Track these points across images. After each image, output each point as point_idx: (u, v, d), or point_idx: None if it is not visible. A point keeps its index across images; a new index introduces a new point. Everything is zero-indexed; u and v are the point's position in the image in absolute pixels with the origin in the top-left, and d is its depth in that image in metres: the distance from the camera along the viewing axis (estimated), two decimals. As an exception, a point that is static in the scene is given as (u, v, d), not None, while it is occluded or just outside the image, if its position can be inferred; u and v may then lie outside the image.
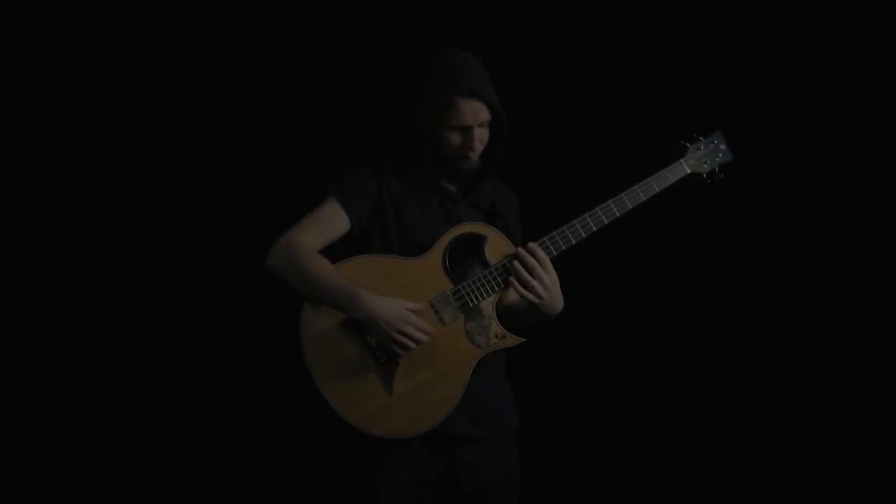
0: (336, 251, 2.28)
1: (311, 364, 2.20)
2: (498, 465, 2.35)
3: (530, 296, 2.22)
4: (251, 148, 2.96)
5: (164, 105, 2.85)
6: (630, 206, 2.32)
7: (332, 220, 2.29)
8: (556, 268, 2.24)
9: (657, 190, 2.34)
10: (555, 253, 2.28)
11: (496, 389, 2.38)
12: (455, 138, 2.26)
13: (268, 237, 2.28)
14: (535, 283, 2.21)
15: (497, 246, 2.28)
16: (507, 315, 2.40)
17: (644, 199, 2.33)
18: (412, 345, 2.16)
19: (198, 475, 2.92)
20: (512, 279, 2.22)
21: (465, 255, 2.28)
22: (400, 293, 2.21)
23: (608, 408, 3.13)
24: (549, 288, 2.22)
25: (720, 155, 2.42)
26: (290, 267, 2.22)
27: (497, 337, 2.26)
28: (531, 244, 2.25)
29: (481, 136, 2.27)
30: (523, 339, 2.27)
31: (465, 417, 2.29)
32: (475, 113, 2.23)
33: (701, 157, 2.40)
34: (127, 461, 2.87)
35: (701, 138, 2.41)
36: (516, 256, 2.23)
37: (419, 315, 2.21)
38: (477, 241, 2.28)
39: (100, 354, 2.88)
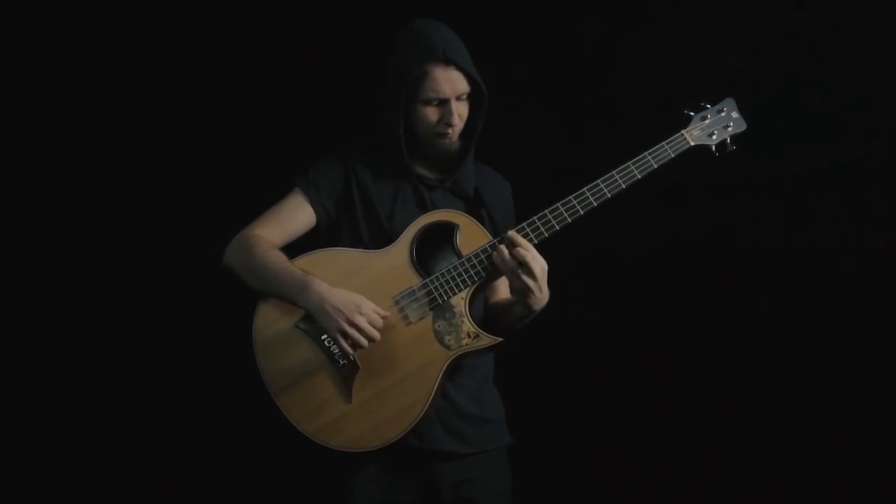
0: (305, 248, 2.09)
1: (264, 368, 2.01)
2: (483, 485, 2.09)
3: (520, 285, 1.95)
4: (218, 139, 2.79)
5: (130, 97, 2.72)
6: (623, 186, 2.03)
7: (294, 214, 2.11)
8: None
9: (655, 166, 2.04)
10: (535, 241, 2.01)
11: (481, 399, 2.12)
12: (431, 114, 2.03)
13: (233, 234, 2.12)
14: (518, 269, 1.94)
15: (471, 236, 2.03)
16: (486, 314, 2.15)
17: (639, 176, 2.03)
18: (362, 340, 1.93)
19: (159, 484, 2.75)
20: (501, 264, 1.96)
21: (436, 247, 2.04)
22: (362, 290, 1.99)
23: (613, 417, 2.79)
24: (537, 276, 1.95)
25: (731, 124, 2.09)
26: (241, 261, 2.04)
27: (469, 336, 2.00)
28: (511, 232, 1.98)
29: (460, 111, 2.04)
30: (500, 340, 2.01)
31: (441, 430, 2.05)
32: (452, 83, 2.00)
33: (708, 128, 2.08)
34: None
35: (708, 106, 2.10)
36: (507, 242, 1.97)
37: (388, 317, 1.98)
38: (448, 231, 2.04)
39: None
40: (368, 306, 1.94)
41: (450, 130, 2.04)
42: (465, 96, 2.04)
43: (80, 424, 2.73)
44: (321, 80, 2.79)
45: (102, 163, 2.71)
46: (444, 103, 2.02)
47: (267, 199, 2.13)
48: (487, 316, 2.16)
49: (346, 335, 1.93)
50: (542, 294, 1.98)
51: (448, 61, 1.99)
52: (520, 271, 1.94)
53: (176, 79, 2.73)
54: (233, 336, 2.09)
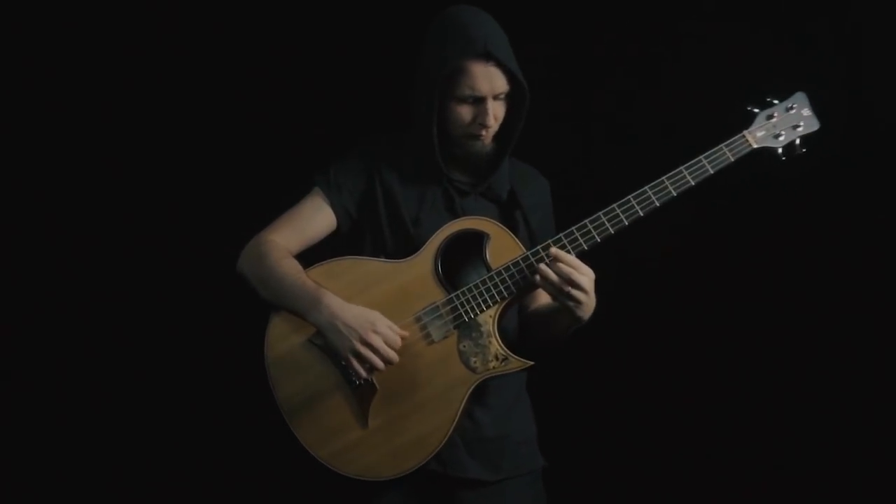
0: (325, 254, 1.93)
1: (275, 387, 1.87)
2: (513, 515, 1.92)
3: (570, 302, 1.77)
4: (238, 135, 2.61)
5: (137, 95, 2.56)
6: (674, 194, 1.81)
7: (313, 217, 1.94)
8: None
9: (711, 171, 1.81)
10: (573, 254, 1.81)
11: (510, 418, 1.95)
12: (464, 112, 1.84)
13: (251, 236, 1.96)
14: (567, 287, 1.76)
15: (502, 247, 1.85)
16: (522, 324, 1.96)
17: (693, 183, 1.82)
18: (377, 361, 1.77)
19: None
20: (543, 284, 1.78)
21: (464, 258, 1.86)
22: (381, 304, 1.82)
23: (659, 436, 2.58)
24: (587, 290, 1.77)
25: (801, 123, 1.85)
26: (252, 269, 1.89)
27: (497, 359, 1.82)
28: (554, 249, 1.80)
29: (496, 112, 1.85)
30: (530, 363, 1.83)
31: (466, 454, 1.89)
32: (490, 80, 1.81)
33: (774, 127, 1.84)
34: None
35: (775, 102, 1.85)
36: (537, 255, 1.79)
37: (407, 337, 1.82)
38: (478, 241, 1.85)
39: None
40: (384, 324, 1.78)
41: (483, 132, 1.85)
42: (503, 95, 1.84)
43: (78, 443, 2.60)
44: (345, 71, 2.58)
45: (115, 163, 2.57)
46: (479, 102, 1.83)
47: (288, 198, 1.98)
48: (524, 325, 1.97)
49: (359, 356, 1.77)
50: (592, 302, 1.79)
51: (488, 56, 1.79)
52: (568, 288, 1.75)
53: (191, 74, 2.56)
54: (245, 350, 1.94)
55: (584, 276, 1.76)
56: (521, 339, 1.96)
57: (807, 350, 2.51)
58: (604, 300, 1.83)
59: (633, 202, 1.81)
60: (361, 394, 1.83)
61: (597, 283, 1.79)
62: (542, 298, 1.99)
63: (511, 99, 1.87)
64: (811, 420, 2.50)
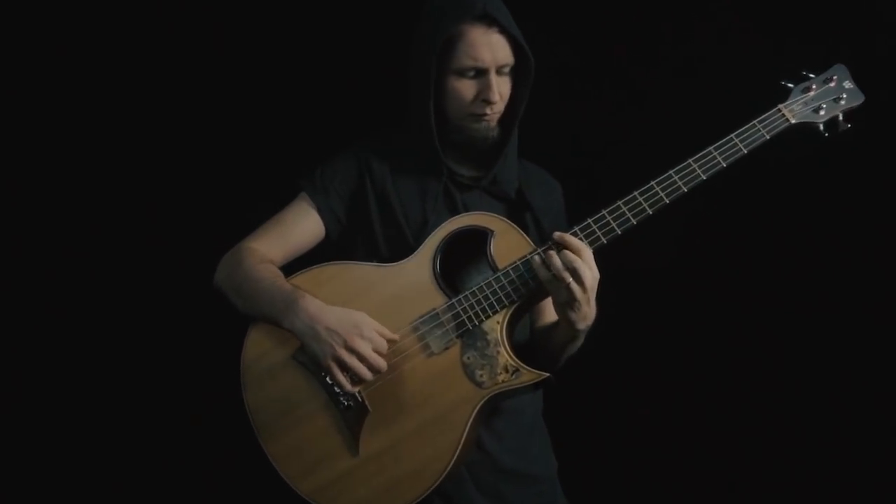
0: (313, 263, 1.70)
1: (252, 410, 1.63)
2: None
3: (565, 298, 1.53)
4: (216, 134, 2.37)
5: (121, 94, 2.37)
6: (703, 177, 1.60)
7: (298, 223, 1.74)
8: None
9: (744, 151, 1.61)
10: (591, 248, 1.58)
11: (527, 450, 1.72)
12: (465, 89, 1.64)
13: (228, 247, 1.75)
14: (568, 277, 1.51)
15: (510, 244, 1.62)
16: (531, 343, 1.72)
17: (724, 165, 1.61)
18: (363, 370, 1.53)
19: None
20: (540, 268, 1.54)
21: (465, 259, 1.63)
22: (373, 313, 1.59)
23: (694, 469, 2.26)
24: (587, 287, 1.52)
25: (844, 96, 1.64)
26: (227, 278, 1.67)
27: (507, 371, 1.57)
28: (558, 233, 1.56)
29: (501, 88, 1.64)
30: (546, 375, 1.58)
31: (476, 491, 1.66)
32: (493, 48, 1.61)
33: (813, 101, 1.63)
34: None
35: (811, 75, 1.64)
36: (556, 246, 1.55)
37: (398, 340, 1.58)
38: (481, 240, 1.62)
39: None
40: (371, 326, 1.55)
41: (488, 110, 1.65)
42: (507, 69, 1.64)
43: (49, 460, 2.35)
44: (335, 67, 2.38)
45: (100, 164, 2.36)
46: (482, 75, 1.63)
47: (271, 205, 1.78)
48: (533, 345, 1.73)
49: (342, 364, 1.53)
50: (589, 308, 1.55)
51: (490, 20, 1.60)
52: (567, 276, 1.50)
53: (170, 71, 2.37)
54: (219, 370, 1.70)
55: (587, 267, 1.52)
56: (529, 362, 1.71)
57: (834, 355, 2.24)
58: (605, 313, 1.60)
59: (657, 188, 1.59)
60: (351, 417, 1.59)
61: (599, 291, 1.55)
62: (549, 315, 1.76)
63: (515, 76, 1.66)
64: (838, 426, 2.22)
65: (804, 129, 1.63)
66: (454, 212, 1.71)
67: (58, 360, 2.35)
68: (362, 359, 1.52)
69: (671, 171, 1.60)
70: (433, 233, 1.65)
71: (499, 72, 1.64)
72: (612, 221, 1.58)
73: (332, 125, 2.24)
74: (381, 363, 1.53)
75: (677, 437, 2.29)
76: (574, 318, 1.55)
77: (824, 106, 1.62)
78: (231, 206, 2.21)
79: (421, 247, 1.65)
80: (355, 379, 1.54)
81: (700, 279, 2.27)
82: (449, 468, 1.55)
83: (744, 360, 2.29)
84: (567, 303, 1.53)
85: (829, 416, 2.24)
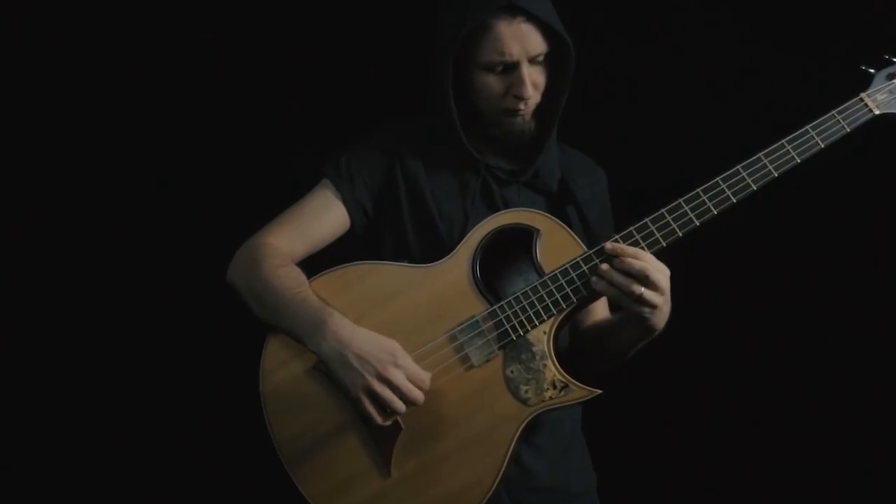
0: (336, 262, 1.55)
1: (274, 428, 1.50)
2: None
3: (643, 308, 1.41)
4: (234, 120, 2.18)
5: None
6: (774, 174, 1.46)
7: (320, 215, 1.60)
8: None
9: (821, 146, 1.46)
10: (648, 252, 1.43)
11: (566, 464, 1.60)
12: (494, 84, 1.50)
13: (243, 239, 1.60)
14: (639, 288, 1.39)
15: (558, 245, 1.48)
16: (574, 344, 1.58)
17: (798, 160, 1.46)
18: (397, 403, 1.39)
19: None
20: (606, 290, 1.41)
21: (508, 262, 1.49)
22: (405, 321, 1.46)
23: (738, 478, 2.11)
24: (662, 289, 1.40)
25: (933, 84, 1.47)
26: (244, 280, 1.53)
27: (555, 387, 1.43)
28: (609, 244, 1.43)
29: (535, 79, 1.50)
30: (598, 392, 1.43)
31: (515, 510, 1.50)
32: (522, 40, 1.47)
33: (898, 90, 1.46)
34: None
35: (895, 60, 1.48)
36: (602, 255, 1.43)
37: (430, 354, 1.43)
38: (526, 240, 1.47)
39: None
40: (407, 360, 1.41)
41: (522, 105, 1.51)
42: (541, 57, 1.49)
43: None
44: (360, 44, 2.19)
45: (100, 159, 2.19)
46: (511, 69, 1.49)
47: (291, 193, 1.63)
48: (577, 345, 1.60)
49: (374, 395, 1.38)
50: (668, 307, 1.43)
51: (516, 10, 1.45)
52: (637, 288, 1.38)
53: (174, 62, 2.18)
54: (237, 382, 1.55)
55: (660, 272, 1.40)
56: (574, 363, 1.57)
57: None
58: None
59: (723, 185, 1.45)
60: (382, 435, 1.45)
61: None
62: (600, 312, 1.62)
63: (553, 61, 1.50)
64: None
65: (887, 121, 1.47)
66: (493, 208, 1.57)
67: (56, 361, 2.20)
68: (396, 389, 1.38)
69: (739, 167, 1.45)
70: (472, 231, 1.51)
71: (532, 62, 1.49)
72: (672, 222, 1.43)
73: (355, 107, 2.06)
74: (418, 395, 1.40)
75: (721, 452, 2.15)
76: (653, 322, 1.42)
77: (911, 95, 1.46)
78: (244, 195, 2.04)
79: (458, 246, 1.51)
80: (388, 411, 1.39)
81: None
82: (491, 492, 1.42)
83: (795, 378, 2.15)
84: (642, 310, 1.40)
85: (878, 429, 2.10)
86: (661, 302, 1.40)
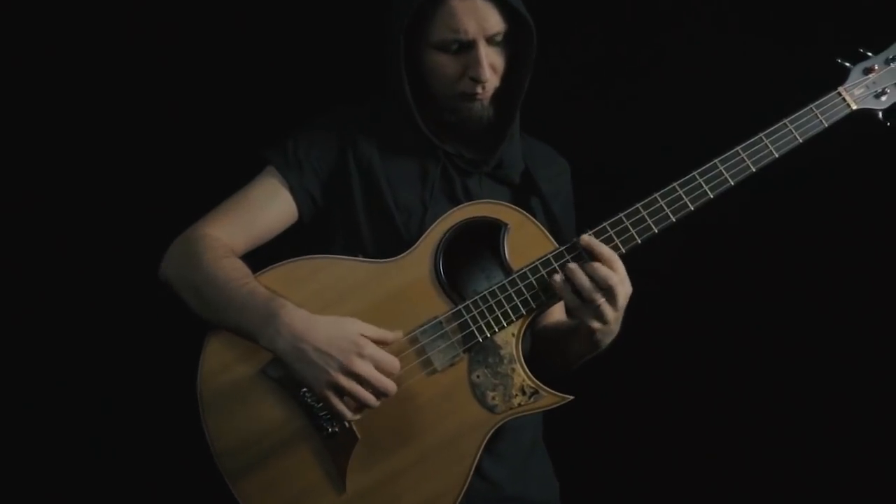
0: (282, 255, 1.43)
1: (213, 438, 1.36)
2: None
3: (593, 321, 1.32)
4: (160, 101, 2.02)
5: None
6: (752, 169, 1.42)
7: (264, 204, 1.48)
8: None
9: (799, 140, 1.43)
10: (623, 250, 1.35)
11: (528, 472, 1.51)
12: (448, 65, 1.41)
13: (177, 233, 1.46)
14: (600, 298, 1.31)
15: (527, 240, 1.40)
16: (539, 346, 1.51)
17: (776, 155, 1.42)
18: (368, 397, 1.27)
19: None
20: (564, 290, 1.33)
21: (473, 258, 1.39)
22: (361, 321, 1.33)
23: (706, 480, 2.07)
24: (620, 306, 1.33)
25: (908, 80, 1.44)
26: (182, 274, 1.39)
27: (524, 393, 1.34)
28: (586, 237, 1.33)
29: (493, 60, 1.41)
30: (569, 398, 1.34)
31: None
32: (479, 17, 1.38)
33: (874, 84, 1.45)
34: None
35: (869, 54, 1.46)
36: (574, 252, 1.35)
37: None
38: (492, 235, 1.37)
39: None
40: (373, 348, 1.28)
41: (479, 89, 1.42)
42: (499, 37, 1.40)
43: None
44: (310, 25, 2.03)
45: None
46: (467, 48, 1.39)
47: (232, 182, 1.50)
48: (536, 345, 1.51)
49: (340, 391, 1.26)
50: (617, 326, 1.37)
51: None
52: (598, 298, 1.29)
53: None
54: (172, 385, 1.40)
55: (623, 285, 1.32)
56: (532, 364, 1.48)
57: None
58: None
59: (699, 179, 1.39)
60: (336, 445, 1.34)
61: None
62: (557, 314, 1.56)
63: (512, 42, 1.41)
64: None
65: (863, 117, 1.43)
66: (453, 200, 1.47)
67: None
68: (364, 382, 1.26)
69: (716, 161, 1.39)
70: (434, 225, 1.41)
71: (490, 41, 1.39)
72: (647, 218, 1.36)
73: (304, 89, 1.91)
74: (389, 384, 1.28)
75: (687, 458, 2.09)
76: (599, 337, 1.36)
77: (887, 91, 1.44)
78: (180, 182, 1.87)
79: (419, 241, 1.41)
80: (358, 406, 1.27)
81: (718, 291, 2.06)
82: (455, 507, 1.32)
83: (765, 378, 2.10)
84: (592, 325, 1.33)
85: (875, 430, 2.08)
86: (612, 319, 1.33)
